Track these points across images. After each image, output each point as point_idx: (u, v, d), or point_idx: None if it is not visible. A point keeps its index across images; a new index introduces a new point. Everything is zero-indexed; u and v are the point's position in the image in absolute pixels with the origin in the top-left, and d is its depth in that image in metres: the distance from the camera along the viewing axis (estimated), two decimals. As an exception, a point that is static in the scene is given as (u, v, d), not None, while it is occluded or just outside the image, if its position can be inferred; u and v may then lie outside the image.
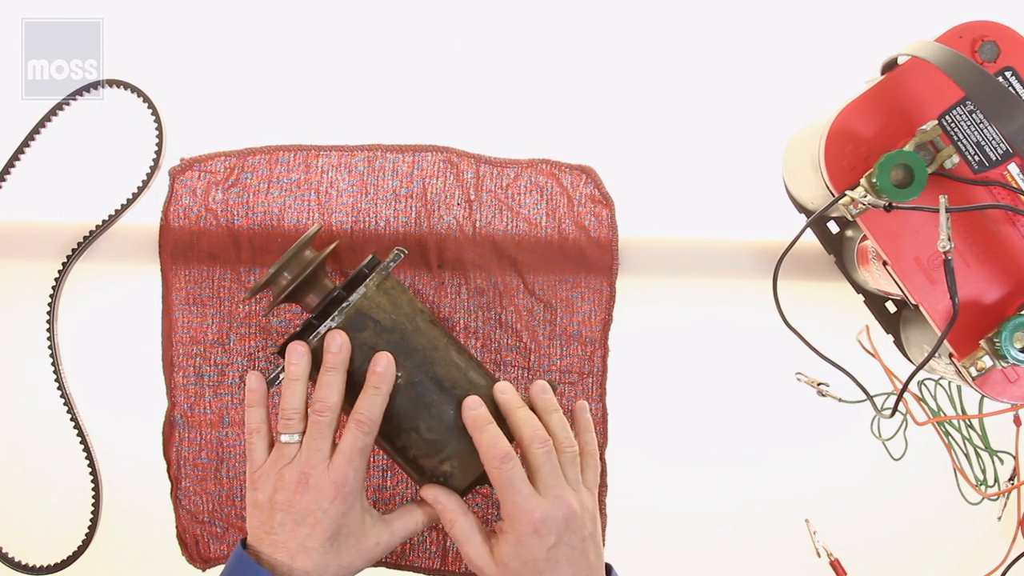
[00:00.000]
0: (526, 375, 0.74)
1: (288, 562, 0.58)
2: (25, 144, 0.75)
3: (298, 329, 0.64)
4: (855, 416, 0.71)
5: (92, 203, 0.74)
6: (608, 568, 0.62)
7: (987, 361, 0.60)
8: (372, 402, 0.59)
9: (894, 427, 0.73)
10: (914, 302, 0.63)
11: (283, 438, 0.60)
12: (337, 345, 0.60)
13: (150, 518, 0.74)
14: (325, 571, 0.58)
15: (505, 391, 0.62)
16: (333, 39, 0.76)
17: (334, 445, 0.60)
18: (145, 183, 0.75)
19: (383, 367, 0.60)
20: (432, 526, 0.63)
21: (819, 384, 0.72)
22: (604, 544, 0.73)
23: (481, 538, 0.60)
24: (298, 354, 0.60)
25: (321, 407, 0.59)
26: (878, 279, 0.68)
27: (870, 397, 0.67)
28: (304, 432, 0.60)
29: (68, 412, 0.74)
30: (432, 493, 0.61)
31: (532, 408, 0.62)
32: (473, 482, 0.63)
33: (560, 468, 0.60)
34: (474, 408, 0.60)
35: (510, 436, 0.61)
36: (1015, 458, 0.74)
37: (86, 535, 0.74)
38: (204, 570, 0.74)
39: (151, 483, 0.74)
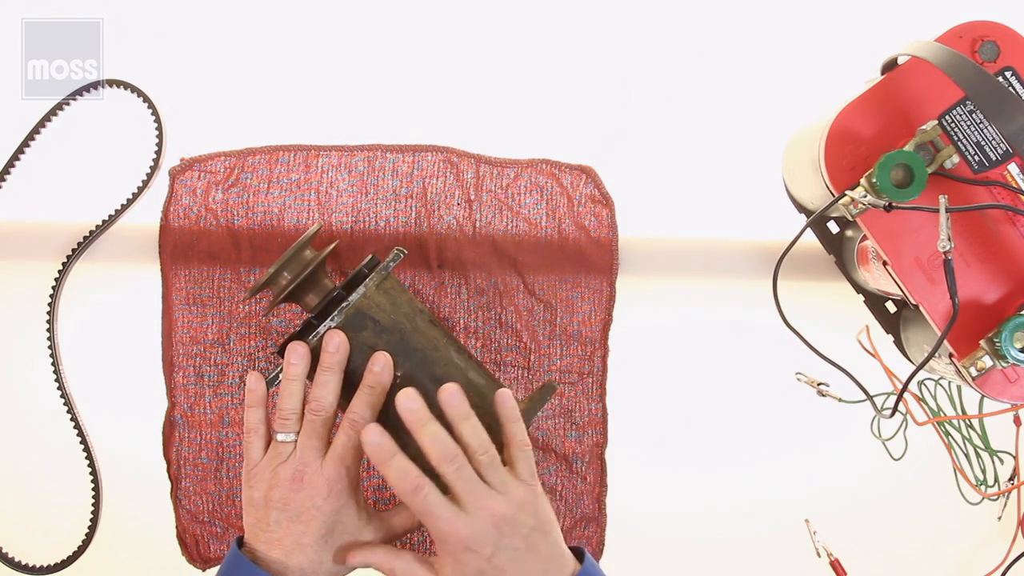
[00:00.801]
0: (526, 375, 0.74)
1: (283, 559, 0.58)
2: (25, 144, 0.75)
3: (298, 329, 0.64)
4: (855, 416, 0.71)
5: (92, 203, 0.74)
6: (580, 552, 0.60)
7: (987, 361, 0.60)
8: (367, 402, 0.59)
9: (894, 427, 0.73)
10: (914, 302, 0.63)
11: (279, 437, 0.60)
12: (335, 345, 0.60)
13: (150, 518, 0.74)
14: (320, 568, 0.58)
15: (412, 409, 0.58)
16: (333, 39, 0.76)
17: (330, 444, 0.60)
18: (145, 183, 0.75)
19: (380, 367, 0.60)
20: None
21: (819, 384, 0.72)
22: (603, 545, 0.73)
23: (423, 570, 0.59)
24: (297, 355, 0.60)
25: (316, 406, 0.59)
26: (878, 279, 0.68)
27: (870, 397, 0.67)
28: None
29: (68, 412, 0.74)
30: (359, 558, 0.59)
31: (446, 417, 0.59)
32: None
33: (478, 477, 0.57)
34: (378, 440, 0.57)
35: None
36: (1015, 458, 0.74)
37: (86, 535, 0.74)
38: (204, 570, 0.74)
39: (151, 483, 0.74)
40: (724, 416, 0.76)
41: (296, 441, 0.60)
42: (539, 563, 0.58)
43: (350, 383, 0.61)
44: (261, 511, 0.59)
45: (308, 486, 0.58)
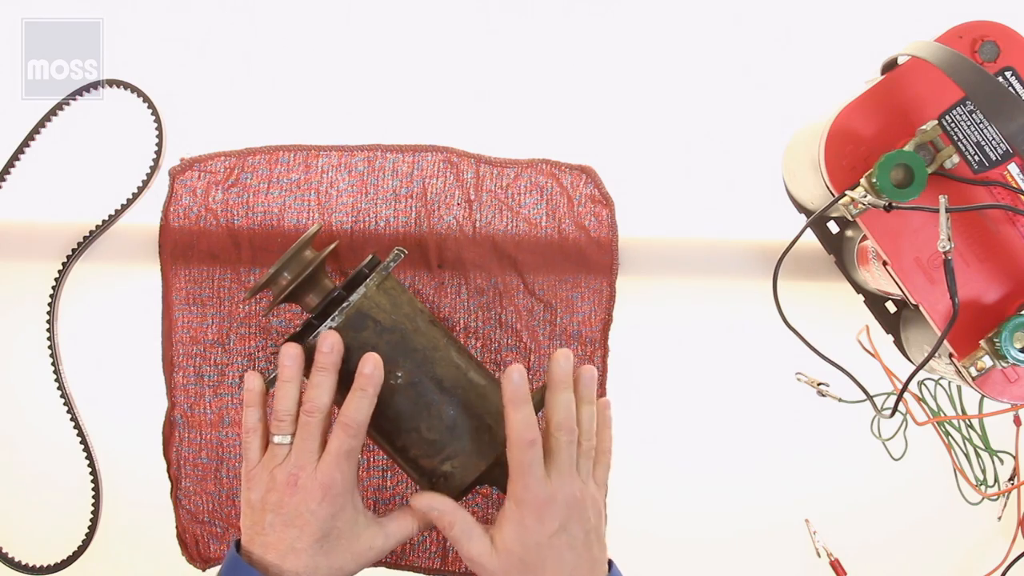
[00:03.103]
0: (526, 375, 0.74)
1: (278, 563, 0.58)
2: (25, 144, 0.75)
3: (298, 329, 0.64)
4: (855, 416, 0.71)
5: (92, 203, 0.74)
6: (610, 563, 0.62)
7: (987, 361, 0.60)
8: (358, 404, 0.59)
9: (894, 427, 0.73)
10: (914, 302, 0.63)
11: (275, 439, 0.60)
12: (328, 345, 0.59)
13: (150, 518, 0.74)
14: (315, 573, 0.58)
15: (561, 362, 0.60)
16: (333, 39, 0.76)
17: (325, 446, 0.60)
18: (145, 183, 0.75)
19: (370, 369, 0.59)
20: (427, 529, 0.63)
21: (819, 384, 0.72)
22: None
23: (480, 531, 0.60)
24: (290, 356, 0.60)
25: (310, 407, 0.59)
26: (878, 279, 0.68)
27: (870, 397, 0.67)
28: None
29: (68, 412, 0.74)
30: (424, 501, 0.61)
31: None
32: (473, 482, 0.63)
33: (575, 459, 0.60)
34: (516, 382, 0.58)
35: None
36: (1015, 458, 0.74)
37: (86, 535, 0.74)
38: (204, 570, 0.74)
39: (151, 483, 0.74)
40: (724, 416, 0.76)
41: (292, 443, 0.60)
42: (588, 561, 0.59)
43: (348, 384, 0.61)
44: (257, 513, 0.59)
45: (302, 490, 0.58)
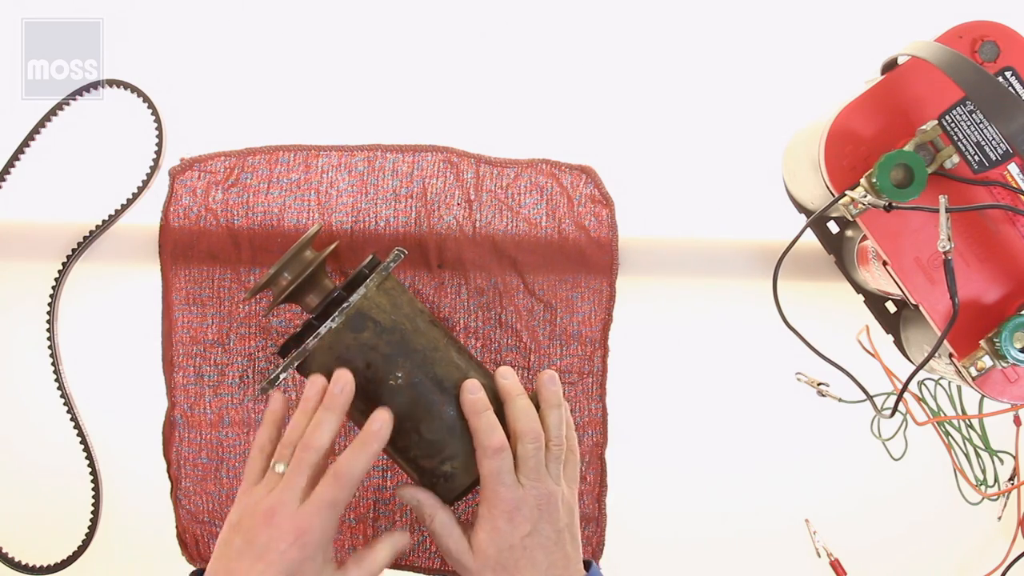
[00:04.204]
0: (526, 375, 0.74)
1: None
2: (25, 144, 0.75)
3: (298, 330, 0.64)
4: (855, 416, 0.71)
5: (92, 203, 0.74)
6: (588, 564, 0.62)
7: (987, 361, 0.60)
8: (357, 458, 0.57)
9: (894, 427, 0.73)
10: (914, 302, 0.63)
11: (276, 467, 0.58)
12: (340, 387, 0.58)
13: (150, 518, 0.74)
14: None
15: (507, 376, 0.63)
16: (333, 39, 0.76)
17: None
18: (145, 183, 0.75)
19: (379, 426, 0.58)
20: (390, 564, 0.61)
21: (819, 384, 0.72)
22: (603, 545, 0.73)
23: (460, 531, 0.61)
24: (316, 389, 0.59)
25: (307, 443, 0.57)
26: (878, 279, 0.68)
27: (870, 397, 0.67)
28: None
29: (68, 412, 0.74)
30: (408, 492, 0.62)
31: (536, 396, 0.63)
32: (473, 482, 0.63)
33: (544, 462, 0.61)
34: (473, 392, 0.61)
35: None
36: (1015, 458, 0.74)
37: (86, 535, 0.74)
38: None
39: (151, 483, 0.74)
40: (724, 416, 0.76)
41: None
42: (562, 560, 0.60)
43: (359, 391, 0.61)
44: (230, 533, 0.57)
45: (276, 528, 0.55)
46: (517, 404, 0.62)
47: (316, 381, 0.60)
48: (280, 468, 0.58)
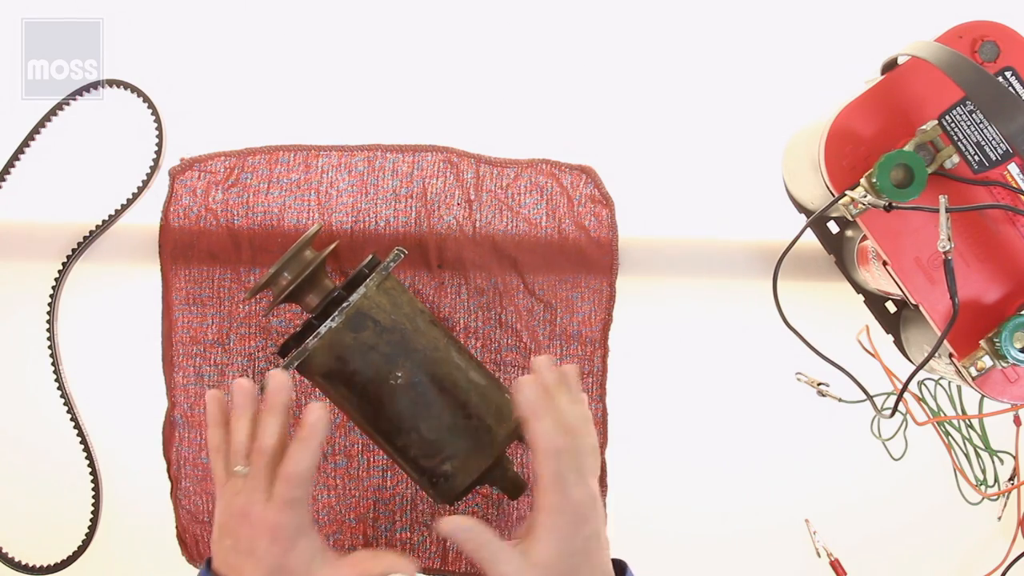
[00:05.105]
0: (526, 375, 0.74)
1: None
2: (25, 144, 0.75)
3: (298, 330, 0.64)
4: (855, 416, 0.71)
5: (92, 203, 0.74)
6: (623, 565, 0.61)
7: (987, 361, 0.60)
8: (300, 457, 0.57)
9: (894, 427, 0.73)
10: (914, 302, 0.63)
11: (235, 468, 0.59)
12: (275, 386, 0.58)
13: (150, 518, 0.74)
14: None
15: (541, 365, 0.60)
16: (333, 39, 0.76)
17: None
18: (145, 183, 0.75)
19: (314, 418, 0.58)
20: (390, 572, 0.60)
21: (819, 384, 0.72)
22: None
23: (509, 549, 0.57)
24: (240, 391, 0.59)
25: (258, 447, 0.58)
26: (878, 279, 0.68)
27: (870, 397, 0.67)
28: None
29: (68, 412, 0.74)
30: (451, 523, 0.58)
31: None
32: (473, 482, 0.63)
33: (582, 462, 0.59)
34: (530, 395, 0.58)
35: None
36: (1015, 458, 0.74)
37: (86, 535, 0.74)
38: (204, 570, 0.74)
39: (151, 483, 0.74)
40: (724, 416, 0.76)
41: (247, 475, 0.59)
42: (607, 559, 0.59)
43: (356, 388, 0.61)
44: (220, 533, 0.58)
45: (253, 527, 0.57)
46: (571, 404, 0.59)
47: (237, 386, 0.59)
48: (240, 470, 0.58)
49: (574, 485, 0.57)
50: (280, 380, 0.59)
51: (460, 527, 0.57)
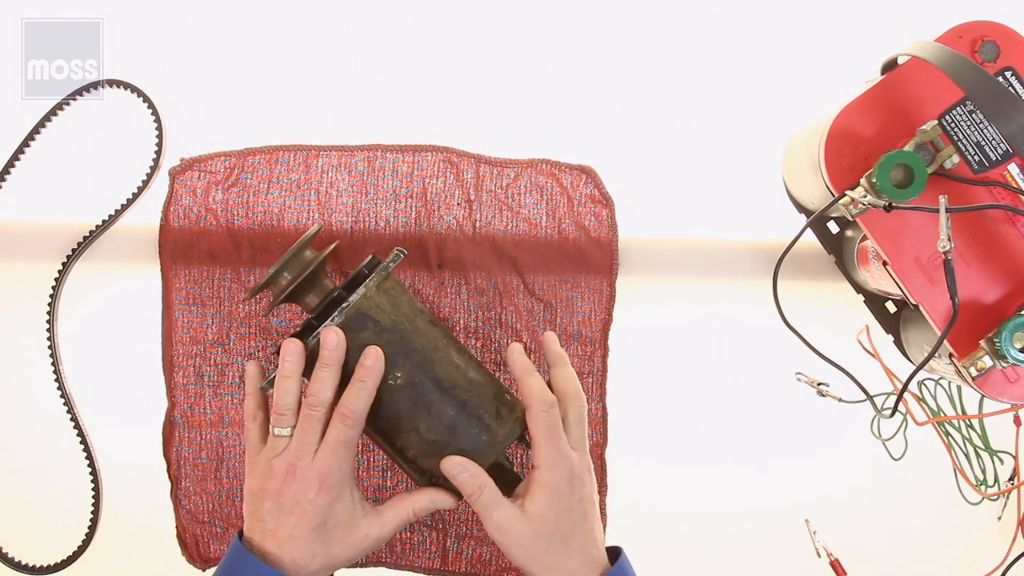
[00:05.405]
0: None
1: (276, 551, 0.58)
2: (25, 144, 0.75)
3: (298, 329, 0.64)
4: (855, 416, 0.71)
5: (92, 203, 0.74)
6: (618, 552, 0.63)
7: (987, 361, 0.60)
8: (357, 395, 0.60)
9: (894, 427, 0.73)
10: (914, 302, 0.63)
11: (276, 431, 0.61)
12: (332, 343, 0.60)
13: (150, 518, 0.74)
14: (312, 561, 0.59)
15: (551, 340, 0.66)
16: (333, 39, 0.76)
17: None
18: (145, 183, 0.75)
19: (371, 361, 0.60)
20: (424, 515, 0.63)
21: (819, 384, 0.72)
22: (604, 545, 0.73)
23: (507, 500, 0.60)
24: (291, 352, 0.61)
25: (314, 401, 0.60)
26: (878, 279, 0.68)
27: (870, 397, 0.67)
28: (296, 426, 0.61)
29: (68, 412, 0.74)
30: (454, 461, 0.61)
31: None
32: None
33: (576, 426, 0.62)
34: (520, 353, 0.63)
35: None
36: (1015, 458, 0.74)
37: (86, 535, 0.74)
38: (204, 570, 0.74)
39: (151, 483, 0.74)
40: (724, 416, 0.76)
41: (292, 435, 0.60)
42: (598, 531, 0.61)
43: (347, 383, 0.61)
44: (257, 501, 0.60)
45: (300, 480, 0.59)
46: (563, 372, 0.63)
47: (287, 347, 0.61)
48: (280, 431, 0.60)
49: (565, 443, 0.60)
50: (336, 337, 0.60)
51: (463, 466, 0.61)
